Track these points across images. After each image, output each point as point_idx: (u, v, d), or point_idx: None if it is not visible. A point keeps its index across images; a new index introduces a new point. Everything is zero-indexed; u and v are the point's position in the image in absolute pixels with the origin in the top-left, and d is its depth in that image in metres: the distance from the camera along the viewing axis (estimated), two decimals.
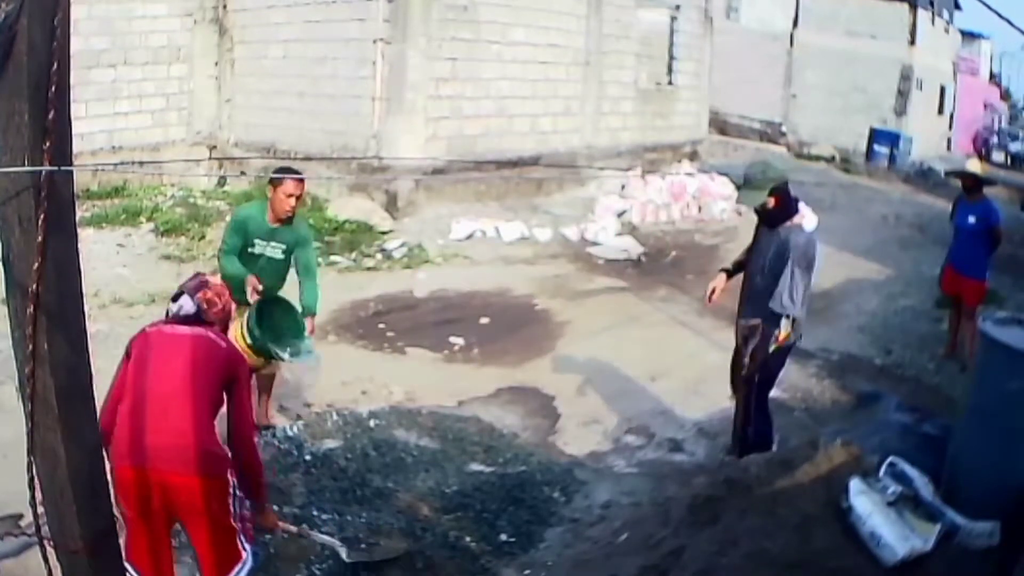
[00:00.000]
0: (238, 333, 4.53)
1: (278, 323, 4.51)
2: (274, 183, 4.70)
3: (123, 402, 2.90)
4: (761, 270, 4.37)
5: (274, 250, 4.76)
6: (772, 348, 4.31)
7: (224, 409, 3.08)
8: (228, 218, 4.98)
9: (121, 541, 2.76)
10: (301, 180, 4.76)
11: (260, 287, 4.55)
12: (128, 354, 3.04)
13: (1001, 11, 2.36)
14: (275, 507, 4.09)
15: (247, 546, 3.04)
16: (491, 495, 4.37)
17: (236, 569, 2.98)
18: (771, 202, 4.29)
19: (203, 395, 2.93)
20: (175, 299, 3.15)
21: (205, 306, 3.12)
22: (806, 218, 4.49)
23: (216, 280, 3.34)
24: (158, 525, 2.89)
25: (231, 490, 2.96)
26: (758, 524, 3.15)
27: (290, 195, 4.65)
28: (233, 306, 3.35)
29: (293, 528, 3.68)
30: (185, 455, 2.82)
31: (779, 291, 4.21)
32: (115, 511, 2.80)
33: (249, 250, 4.71)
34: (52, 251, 1.69)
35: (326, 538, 3.71)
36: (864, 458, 3.46)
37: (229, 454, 3.01)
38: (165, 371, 2.92)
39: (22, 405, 1.78)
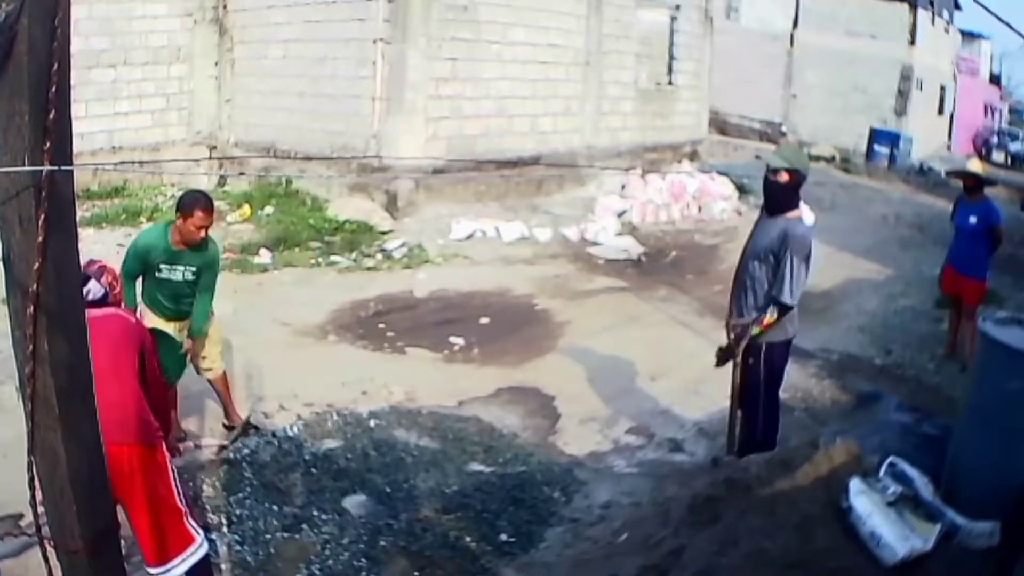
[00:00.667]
0: None
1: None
2: (184, 212, 4.44)
3: None
4: (758, 256, 4.37)
5: (184, 273, 4.58)
6: (755, 331, 4.30)
7: None
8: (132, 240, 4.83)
9: None
10: (211, 212, 4.51)
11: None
12: None
13: (1001, 12, 2.36)
14: (275, 507, 4.11)
15: (200, 531, 3.04)
16: (491, 495, 4.37)
17: (188, 551, 2.96)
18: (783, 176, 4.29)
19: (129, 368, 3.08)
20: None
21: (110, 288, 3.33)
22: (806, 214, 4.48)
23: (109, 263, 3.48)
24: None
25: (171, 467, 3.02)
26: (758, 524, 3.14)
27: (200, 227, 4.46)
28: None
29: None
30: (123, 424, 2.87)
31: (780, 277, 4.21)
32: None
33: (156, 274, 4.54)
34: (52, 251, 1.69)
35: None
36: (864, 458, 3.46)
37: (159, 426, 3.12)
38: (94, 351, 2.94)
39: (22, 405, 1.77)
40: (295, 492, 4.29)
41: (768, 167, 4.38)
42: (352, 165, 11.05)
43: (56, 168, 1.64)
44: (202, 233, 4.49)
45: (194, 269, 4.59)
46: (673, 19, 14.84)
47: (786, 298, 4.22)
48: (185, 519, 3.01)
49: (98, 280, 3.28)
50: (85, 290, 3.17)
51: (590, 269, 9.73)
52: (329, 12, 11.29)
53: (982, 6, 2.24)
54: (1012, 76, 38.42)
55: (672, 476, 4.69)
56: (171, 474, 3.03)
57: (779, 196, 4.37)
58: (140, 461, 2.92)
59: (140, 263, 4.52)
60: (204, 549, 3.03)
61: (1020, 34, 2.37)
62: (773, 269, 4.28)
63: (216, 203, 11.51)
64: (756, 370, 4.37)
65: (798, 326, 4.51)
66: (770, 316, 4.26)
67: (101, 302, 3.25)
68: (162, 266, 4.53)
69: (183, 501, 3.04)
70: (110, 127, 11.29)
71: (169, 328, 4.65)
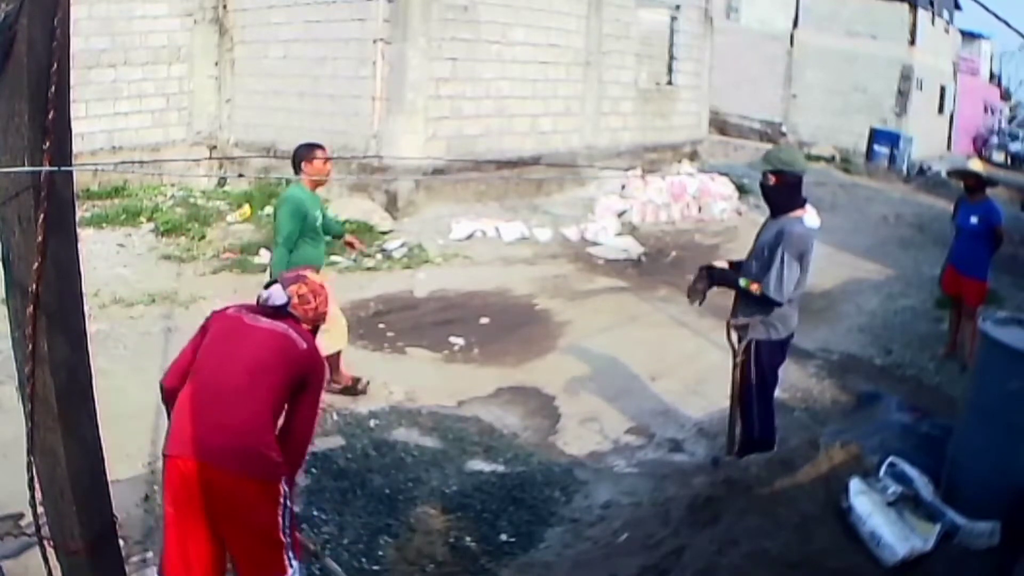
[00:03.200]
0: None
1: None
2: (306, 159, 5.10)
3: (186, 385, 2.76)
4: (755, 256, 4.37)
5: (323, 214, 5.23)
6: (742, 283, 4.30)
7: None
8: (279, 207, 5.13)
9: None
10: (324, 149, 5.24)
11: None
12: (205, 328, 2.90)
13: (1000, 11, 2.36)
14: None
15: (295, 563, 2.81)
16: (491, 495, 4.37)
17: None
18: (771, 179, 4.30)
19: (267, 395, 2.75)
20: (268, 286, 2.99)
21: (296, 300, 2.94)
22: (809, 214, 4.47)
23: (316, 278, 3.12)
24: (204, 524, 2.69)
25: (282, 500, 2.76)
26: (758, 524, 3.14)
27: (326, 161, 5.16)
28: (329, 308, 3.17)
29: (310, 545, 3.39)
30: (239, 455, 2.65)
31: (768, 272, 4.19)
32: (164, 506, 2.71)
33: (315, 225, 5.09)
34: (52, 251, 1.69)
35: (335, 567, 3.36)
36: (864, 458, 3.46)
37: (283, 461, 2.80)
38: (233, 363, 2.76)
39: (22, 405, 1.78)
40: (295, 492, 4.28)
41: (760, 179, 4.42)
42: (352, 165, 11.04)
43: (56, 168, 1.64)
44: (329, 165, 5.21)
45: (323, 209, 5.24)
46: (673, 19, 14.84)
47: (769, 290, 4.17)
48: (284, 551, 2.76)
49: (284, 287, 2.95)
50: (267, 294, 2.94)
51: (590, 269, 9.73)
52: (329, 12, 11.29)
53: (983, 7, 2.24)
54: (1012, 77, 38.35)
55: (672, 476, 4.68)
56: (280, 507, 2.75)
57: (775, 198, 4.38)
58: (248, 495, 2.67)
59: (300, 220, 4.98)
60: None
61: (1020, 33, 2.36)
62: (766, 265, 4.26)
63: (216, 203, 11.58)
64: (747, 369, 4.37)
65: (795, 327, 4.47)
66: (756, 285, 4.23)
67: (279, 311, 2.92)
68: (316, 214, 5.08)
69: (287, 533, 2.78)
70: (110, 127, 11.29)
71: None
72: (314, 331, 3.07)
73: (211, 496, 2.64)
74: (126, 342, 6.27)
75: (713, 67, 16.47)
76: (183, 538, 2.70)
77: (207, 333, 2.89)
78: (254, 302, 2.99)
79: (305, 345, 2.88)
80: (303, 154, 5.15)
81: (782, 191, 4.33)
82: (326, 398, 5.46)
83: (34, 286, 1.66)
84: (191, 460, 2.63)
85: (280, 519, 2.75)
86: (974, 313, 6.20)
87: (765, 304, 4.26)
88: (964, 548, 2.95)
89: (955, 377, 6.42)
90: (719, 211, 12.89)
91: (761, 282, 4.23)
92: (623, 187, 12.72)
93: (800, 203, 4.38)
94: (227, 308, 2.98)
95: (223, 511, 2.68)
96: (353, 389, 5.54)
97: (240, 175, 11.90)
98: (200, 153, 12.32)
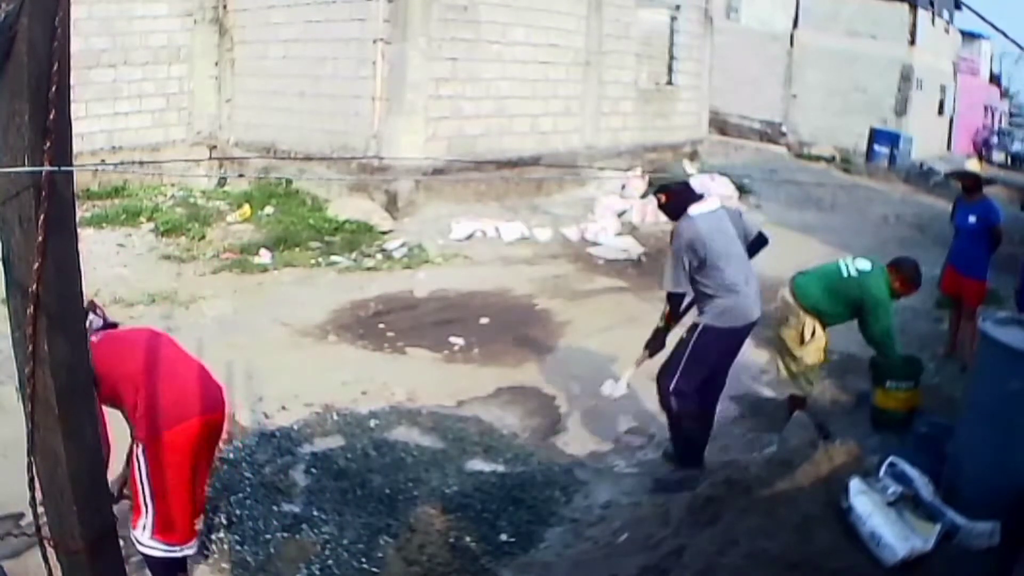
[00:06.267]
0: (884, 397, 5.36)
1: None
2: (909, 279, 5.35)
3: (143, 384, 3.13)
4: None
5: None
6: (661, 325, 4.85)
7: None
8: (879, 304, 5.38)
9: (146, 524, 3.06)
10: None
11: None
12: (98, 360, 3.02)
13: (1000, 12, 2.35)
14: (275, 507, 4.11)
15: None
16: (491, 495, 4.37)
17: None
18: (661, 198, 4.72)
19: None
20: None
21: (106, 317, 3.53)
22: (702, 203, 4.66)
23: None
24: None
25: None
26: (758, 524, 3.14)
27: (914, 288, 5.44)
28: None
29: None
30: (219, 396, 3.34)
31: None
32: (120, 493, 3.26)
33: None
34: (52, 251, 1.69)
35: None
36: (864, 458, 3.46)
37: None
38: (168, 351, 3.34)
39: (22, 405, 1.78)
40: (295, 492, 4.29)
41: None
42: (352, 165, 11.05)
43: (56, 168, 1.64)
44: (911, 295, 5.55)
45: None
46: (673, 19, 14.84)
47: (663, 287, 4.72)
48: None
49: (95, 312, 3.41)
50: (88, 322, 3.23)
51: (590, 269, 9.73)
52: (329, 12, 11.29)
53: (980, 16, 2.24)
54: (1012, 78, 38.34)
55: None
56: None
57: (670, 210, 4.71)
58: (222, 426, 3.44)
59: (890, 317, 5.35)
60: None
61: (1019, 45, 2.36)
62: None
63: (216, 203, 11.58)
64: (686, 342, 4.66)
65: (752, 317, 4.66)
66: (666, 313, 4.80)
67: (103, 328, 3.37)
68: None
69: None
70: (110, 127, 11.30)
71: None
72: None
73: (212, 438, 3.32)
74: None
75: (713, 67, 16.47)
76: (194, 483, 3.23)
77: (106, 361, 3.10)
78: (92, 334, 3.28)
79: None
80: (912, 276, 5.37)
81: (672, 202, 4.68)
82: (330, 399, 5.49)
83: (34, 286, 1.66)
84: (215, 413, 3.27)
85: None
86: (974, 313, 6.19)
87: (702, 301, 4.63)
88: (964, 548, 2.95)
89: (955, 377, 6.41)
90: None
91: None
92: (623, 187, 12.72)
93: (690, 204, 4.62)
94: (93, 341, 3.16)
95: (206, 453, 3.32)
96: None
97: (241, 175, 11.90)
98: (200, 153, 12.33)
